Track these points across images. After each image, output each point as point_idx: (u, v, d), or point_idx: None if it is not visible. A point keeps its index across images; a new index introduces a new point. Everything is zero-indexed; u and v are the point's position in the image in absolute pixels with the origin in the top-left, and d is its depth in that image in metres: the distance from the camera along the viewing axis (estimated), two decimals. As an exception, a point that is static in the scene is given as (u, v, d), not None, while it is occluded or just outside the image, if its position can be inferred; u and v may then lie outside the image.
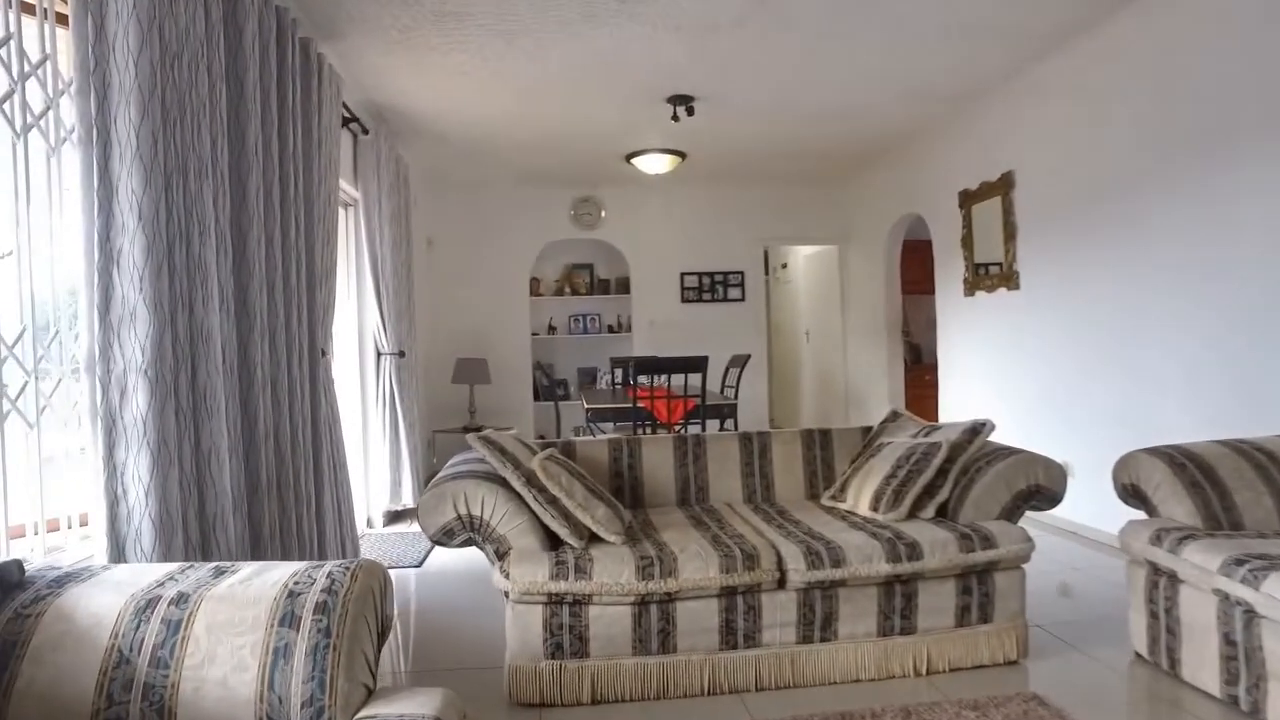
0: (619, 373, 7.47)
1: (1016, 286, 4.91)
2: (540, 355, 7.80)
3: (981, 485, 2.78)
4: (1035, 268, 4.75)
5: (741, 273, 7.73)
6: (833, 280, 8.00)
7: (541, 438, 7.70)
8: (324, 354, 3.47)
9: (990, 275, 5.21)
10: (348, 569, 1.66)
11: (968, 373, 5.62)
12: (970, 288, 5.47)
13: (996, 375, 5.22)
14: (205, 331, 2.22)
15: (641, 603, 2.44)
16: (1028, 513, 2.84)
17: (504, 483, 2.57)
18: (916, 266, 7.36)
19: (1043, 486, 2.79)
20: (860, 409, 7.52)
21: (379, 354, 5.08)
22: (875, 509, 2.89)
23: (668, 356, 4.49)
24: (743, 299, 7.74)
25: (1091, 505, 4.16)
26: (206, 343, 2.22)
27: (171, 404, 2.02)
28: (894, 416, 3.45)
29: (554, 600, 2.42)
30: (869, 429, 3.50)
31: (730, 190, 7.64)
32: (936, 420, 6.37)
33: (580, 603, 2.43)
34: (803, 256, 8.94)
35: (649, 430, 4.68)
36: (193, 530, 2.08)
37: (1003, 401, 5.14)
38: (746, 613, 2.50)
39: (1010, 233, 4.93)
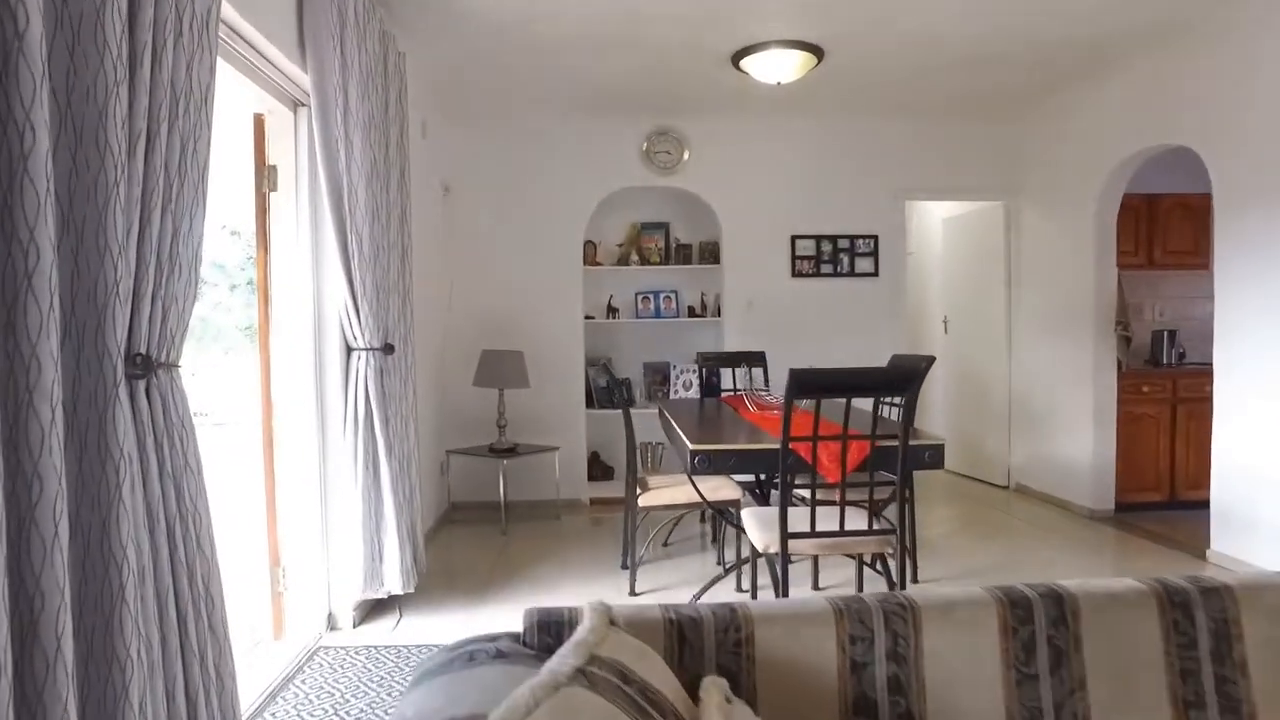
0: (705, 373, 5.52)
1: None
2: (595, 345, 5.81)
3: None
4: None
5: (874, 237, 5.61)
6: (993, 249, 5.85)
7: (595, 456, 5.72)
8: (160, 367, 1.53)
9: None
10: None
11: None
12: (1310, 256, 3.34)
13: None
14: None
15: None
16: None
17: None
18: (1129, 232, 5.21)
19: None
20: (1034, 433, 5.39)
21: (349, 350, 3.16)
22: None
23: (850, 369, 2.42)
24: (875, 273, 5.62)
25: None
26: None
27: None
28: None
29: None
30: None
31: (865, 123, 5.51)
32: (1206, 465, 4.09)
33: None
34: (939, 219, 6.77)
35: (812, 493, 2.63)
36: None
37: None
38: None
39: None
